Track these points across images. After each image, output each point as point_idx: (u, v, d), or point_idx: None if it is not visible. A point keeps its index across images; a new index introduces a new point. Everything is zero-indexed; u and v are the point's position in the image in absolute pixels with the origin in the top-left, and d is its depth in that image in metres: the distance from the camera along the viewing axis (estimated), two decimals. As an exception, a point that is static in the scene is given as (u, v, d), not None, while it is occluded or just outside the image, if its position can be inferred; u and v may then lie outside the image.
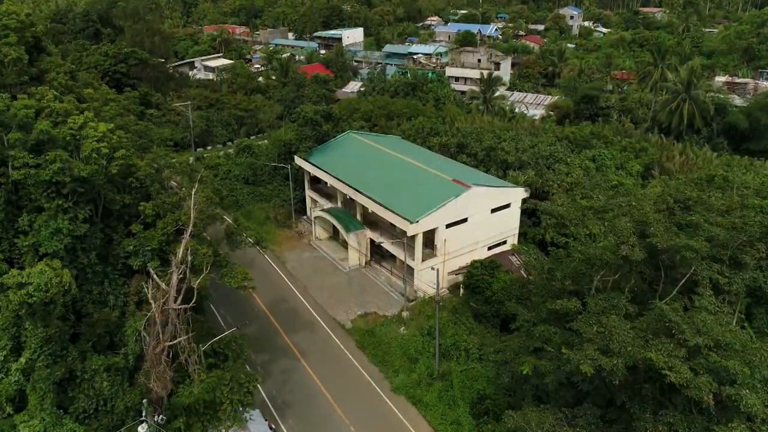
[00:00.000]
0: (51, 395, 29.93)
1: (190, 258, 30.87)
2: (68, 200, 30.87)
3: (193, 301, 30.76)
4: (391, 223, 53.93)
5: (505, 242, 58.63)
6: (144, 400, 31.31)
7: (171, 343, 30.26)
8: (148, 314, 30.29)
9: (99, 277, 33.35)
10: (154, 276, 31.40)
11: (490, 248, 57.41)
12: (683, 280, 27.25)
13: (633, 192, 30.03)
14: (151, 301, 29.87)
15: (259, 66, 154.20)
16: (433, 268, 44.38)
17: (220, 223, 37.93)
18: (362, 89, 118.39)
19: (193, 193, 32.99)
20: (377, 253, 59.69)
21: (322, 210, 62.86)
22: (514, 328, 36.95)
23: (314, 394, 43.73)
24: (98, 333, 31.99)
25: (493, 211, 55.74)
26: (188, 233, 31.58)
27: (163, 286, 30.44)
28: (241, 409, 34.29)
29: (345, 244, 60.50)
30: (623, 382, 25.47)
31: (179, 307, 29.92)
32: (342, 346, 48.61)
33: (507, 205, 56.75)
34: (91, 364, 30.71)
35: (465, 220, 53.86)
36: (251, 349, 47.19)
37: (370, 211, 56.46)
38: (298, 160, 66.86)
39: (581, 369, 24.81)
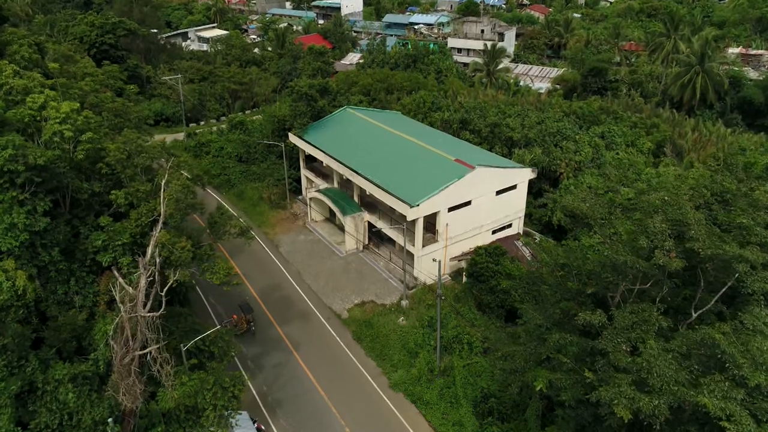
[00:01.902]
0: (9, 410, 27.00)
1: (159, 259, 27.69)
2: (24, 191, 27.60)
3: (162, 309, 27.67)
4: (391, 206, 50.77)
5: (510, 225, 55.55)
6: (110, 419, 28.44)
7: (141, 352, 27.32)
8: (116, 321, 27.26)
9: (64, 275, 30.29)
10: (120, 279, 28.28)
11: (494, 232, 54.34)
12: (724, 289, 24.03)
13: (666, 184, 26.51)
14: (119, 305, 26.85)
15: (255, 37, 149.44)
16: (434, 260, 41.28)
17: (201, 212, 34.79)
18: (361, 61, 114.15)
19: (163, 184, 29.66)
20: (376, 236, 56.63)
21: (318, 191, 59.63)
22: (521, 323, 34.21)
23: (308, 391, 41.08)
24: (64, 338, 29.03)
25: (498, 193, 52.52)
26: (158, 229, 28.40)
27: (130, 289, 27.39)
28: (226, 413, 31.51)
29: (342, 227, 57.41)
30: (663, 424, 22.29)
31: (148, 314, 26.86)
32: (338, 338, 45.86)
33: (513, 187, 53.50)
34: (55, 374, 27.77)
35: (468, 203, 50.66)
36: (240, 343, 44.83)
37: (367, 192, 53.26)
38: (293, 138, 63.42)
39: (615, 411, 21.68)
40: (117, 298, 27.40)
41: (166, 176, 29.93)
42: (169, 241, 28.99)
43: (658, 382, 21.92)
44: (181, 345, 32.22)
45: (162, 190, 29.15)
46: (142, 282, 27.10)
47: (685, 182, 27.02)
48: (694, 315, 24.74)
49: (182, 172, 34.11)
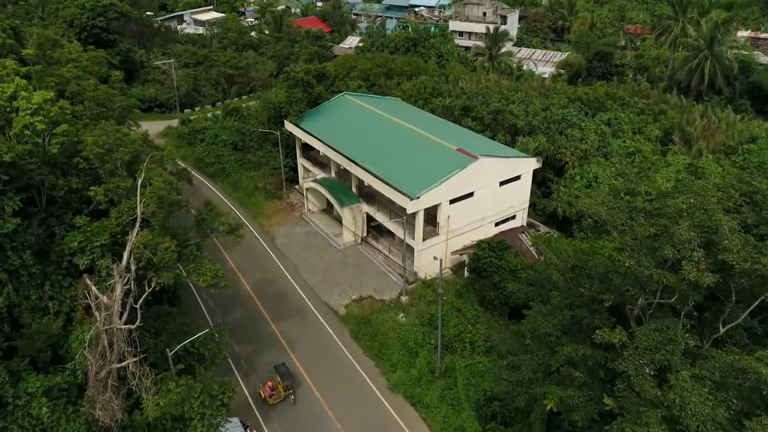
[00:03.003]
0: (-25, 427, 25.33)
1: (134, 267, 25.70)
2: (-10, 190, 25.64)
3: (139, 321, 25.74)
4: (390, 198, 48.72)
5: (514, 217, 53.58)
6: (84, 440, 26.64)
7: (119, 365, 25.44)
8: (90, 331, 25.32)
9: (37, 279, 28.33)
10: (93, 288, 26.31)
11: (497, 224, 52.37)
12: (756, 303, 21.92)
13: (691, 184, 24.27)
14: (95, 313, 24.93)
15: (252, 20, 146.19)
16: (435, 258, 39.35)
17: (186, 210, 32.77)
18: (361, 45, 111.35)
19: (139, 183, 27.59)
20: (374, 228, 54.67)
21: (314, 181, 57.52)
22: (527, 324, 32.39)
23: (303, 393, 39.37)
24: (38, 347, 27.14)
25: (502, 183, 50.48)
26: (134, 233, 26.39)
27: (104, 299, 25.45)
28: (215, 422, 29.78)
29: (339, 218, 55.40)
30: None
31: (124, 327, 24.94)
32: (335, 336, 44.09)
33: (517, 177, 51.45)
34: (27, 387, 25.91)
35: (471, 194, 48.65)
36: (234, 340, 43.15)
37: (366, 183, 51.20)
38: (289, 126, 61.22)
39: None
40: (93, 306, 25.48)
41: (143, 174, 27.83)
42: (152, 241, 27.04)
43: (694, 423, 19.70)
44: (167, 350, 30.34)
45: (139, 190, 27.07)
46: (118, 290, 25.18)
47: (708, 181, 24.72)
48: (722, 330, 22.77)
49: (166, 167, 32.12)
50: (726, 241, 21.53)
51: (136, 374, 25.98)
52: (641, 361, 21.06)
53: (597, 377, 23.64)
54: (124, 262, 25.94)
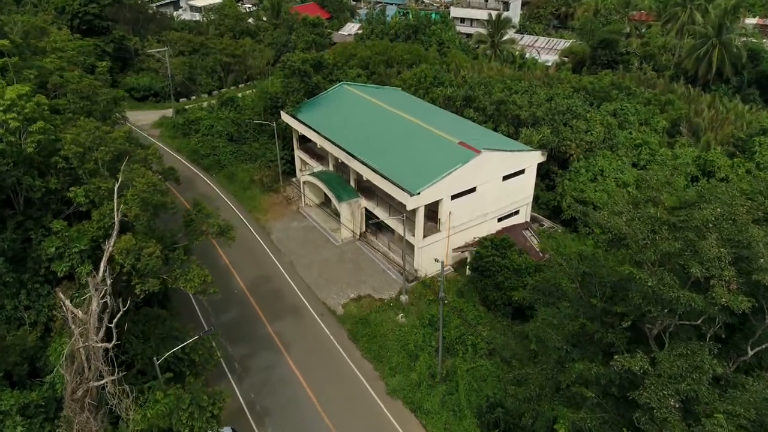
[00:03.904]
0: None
1: (110, 282, 24.02)
2: (-43, 193, 23.95)
3: (115, 340, 24.11)
4: (389, 193, 46.99)
5: (517, 212, 51.92)
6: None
7: (97, 383, 23.85)
8: (66, 349, 23.70)
9: (12, 288, 26.71)
10: (67, 303, 24.64)
11: (500, 220, 50.71)
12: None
13: (717, 191, 22.33)
14: (72, 326, 23.31)
15: (250, 6, 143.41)
16: (437, 260, 37.68)
17: (172, 212, 31.03)
18: (360, 32, 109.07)
19: (116, 189, 25.82)
20: (373, 222, 52.96)
21: (311, 174, 55.75)
22: (531, 335, 30.83)
23: (298, 398, 37.89)
24: (13, 361, 25.56)
25: (505, 178, 48.77)
26: (110, 244, 24.70)
27: (80, 313, 23.82)
28: (205, 434, 28.29)
29: (337, 213, 53.70)
30: None
31: (100, 345, 23.32)
32: (332, 338, 42.56)
33: (521, 171, 49.72)
34: (0, 405, 24.37)
35: (473, 189, 46.93)
36: (228, 342, 41.71)
37: (364, 178, 49.45)
38: (285, 117, 59.36)
39: None
40: (69, 320, 23.87)
41: (121, 177, 26.06)
42: (135, 246, 25.39)
43: None
44: (155, 358, 28.81)
45: (116, 195, 25.33)
46: (94, 305, 23.55)
47: (733, 186, 22.86)
48: (750, 353, 21.09)
49: (151, 166, 30.38)
50: (762, 260, 19.72)
51: (115, 394, 24.44)
52: (665, 392, 19.35)
53: (610, 395, 22.06)
54: (100, 273, 24.30)
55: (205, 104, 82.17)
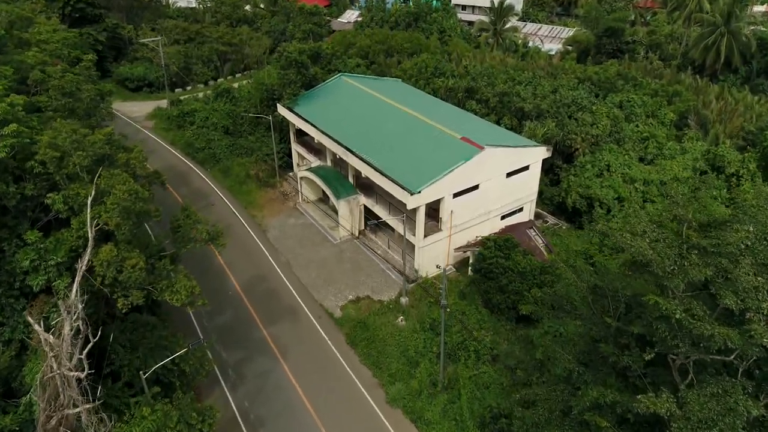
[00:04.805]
0: None
1: (81, 306, 22.35)
2: None
3: (87, 370, 22.48)
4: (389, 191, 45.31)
5: (521, 209, 50.28)
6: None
7: (71, 411, 22.30)
8: (38, 375, 22.11)
9: (-15, 304, 25.19)
10: (36, 327, 22.98)
11: (503, 217, 49.07)
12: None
13: (748, 209, 20.40)
14: (45, 350, 21.74)
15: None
16: (438, 266, 36.10)
17: (156, 218, 29.33)
18: (360, 20, 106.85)
19: (89, 202, 24.05)
20: (372, 219, 51.28)
21: (309, 169, 54.03)
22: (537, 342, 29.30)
23: (294, 407, 36.43)
24: (-16, 382, 24.11)
25: (509, 175, 47.08)
26: (84, 262, 23.02)
27: (51, 338, 22.22)
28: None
29: (335, 209, 52.03)
30: None
31: (73, 374, 21.73)
32: (329, 342, 41.04)
33: (525, 168, 48.02)
34: (-29, 432, 22.98)
35: (476, 187, 45.25)
36: (221, 346, 40.27)
37: (363, 174, 47.74)
38: (282, 110, 57.52)
39: None
40: (43, 341, 22.29)
41: (92, 193, 24.27)
42: (117, 258, 23.78)
43: None
44: (141, 372, 27.32)
45: (89, 208, 23.57)
46: (66, 329, 21.95)
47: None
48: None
49: (134, 171, 28.62)
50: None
51: (91, 423, 22.92)
52: (695, 436, 17.72)
53: (626, 420, 20.52)
54: (72, 295, 22.68)
55: (200, 95, 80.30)
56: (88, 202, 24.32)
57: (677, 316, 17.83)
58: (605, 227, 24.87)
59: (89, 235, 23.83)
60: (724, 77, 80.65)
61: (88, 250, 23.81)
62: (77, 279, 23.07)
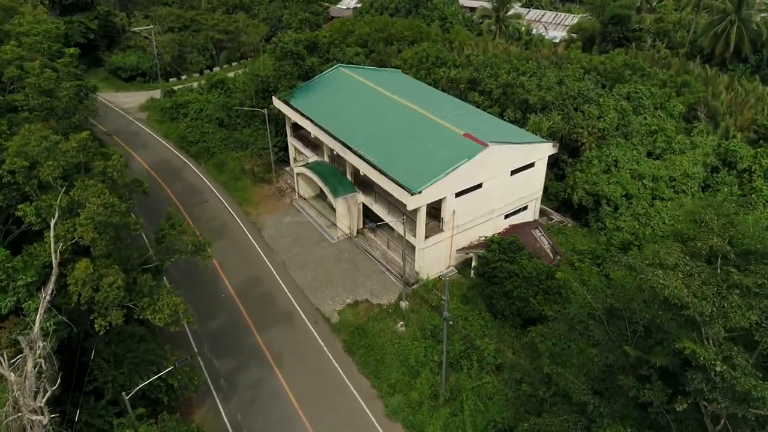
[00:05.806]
0: None
1: (41, 344, 20.47)
2: None
3: (52, 415, 20.70)
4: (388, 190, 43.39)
5: (525, 208, 48.42)
6: None
7: None
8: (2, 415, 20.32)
9: (-51, 328, 23.40)
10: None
11: (507, 216, 47.20)
12: None
13: None
14: (8, 387, 19.92)
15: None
16: (441, 278, 34.25)
17: (138, 231, 27.45)
18: (359, 6, 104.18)
19: (53, 224, 22.10)
20: (371, 218, 49.41)
21: (305, 165, 52.03)
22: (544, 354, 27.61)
23: (290, 420, 34.76)
24: (-52, 413, 22.37)
25: (514, 172, 45.13)
26: (47, 293, 21.14)
27: (12, 376, 20.42)
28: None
29: (333, 207, 50.13)
30: None
31: (36, 418, 19.91)
32: (326, 350, 39.33)
33: (530, 165, 46.07)
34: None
35: (479, 185, 43.32)
36: (213, 355, 38.63)
37: (361, 173, 45.81)
38: (277, 103, 55.42)
39: None
40: (6, 377, 20.49)
41: (57, 212, 22.29)
42: (93, 275, 21.97)
43: None
44: (124, 394, 25.64)
45: (52, 232, 21.56)
46: (29, 366, 20.13)
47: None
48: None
49: (113, 179, 26.69)
50: None
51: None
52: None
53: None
54: (36, 329, 20.84)
55: (195, 84, 78.07)
56: (52, 224, 22.39)
57: (717, 369, 15.94)
58: (630, 262, 22.67)
59: (53, 261, 21.90)
60: (734, 66, 78.35)
61: (52, 278, 21.94)
62: (40, 312, 21.18)
